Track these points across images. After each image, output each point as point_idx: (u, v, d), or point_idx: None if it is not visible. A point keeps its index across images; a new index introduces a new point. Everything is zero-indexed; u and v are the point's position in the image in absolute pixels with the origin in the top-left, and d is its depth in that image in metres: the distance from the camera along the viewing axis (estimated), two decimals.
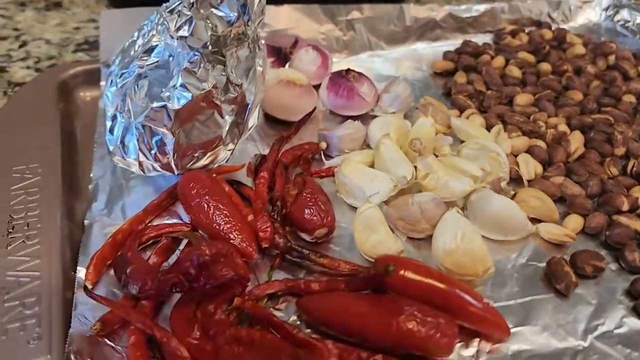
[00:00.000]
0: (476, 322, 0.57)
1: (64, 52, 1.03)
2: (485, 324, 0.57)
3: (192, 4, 0.58)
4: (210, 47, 0.60)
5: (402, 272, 0.57)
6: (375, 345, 0.53)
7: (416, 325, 0.52)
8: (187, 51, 0.60)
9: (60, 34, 1.09)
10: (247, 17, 0.61)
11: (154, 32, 0.64)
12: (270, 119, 0.86)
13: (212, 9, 0.60)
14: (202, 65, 0.61)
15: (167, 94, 0.61)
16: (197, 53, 0.60)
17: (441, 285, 0.57)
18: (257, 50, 0.69)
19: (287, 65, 0.93)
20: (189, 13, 0.58)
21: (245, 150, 0.79)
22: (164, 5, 0.61)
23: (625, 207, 0.71)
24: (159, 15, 0.63)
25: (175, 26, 0.58)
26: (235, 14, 0.60)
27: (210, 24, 0.60)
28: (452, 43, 1.09)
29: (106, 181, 0.73)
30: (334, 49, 1.03)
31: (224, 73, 0.64)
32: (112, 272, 0.61)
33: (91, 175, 0.74)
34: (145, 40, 0.64)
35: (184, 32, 0.59)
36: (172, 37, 0.59)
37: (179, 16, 0.58)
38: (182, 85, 0.61)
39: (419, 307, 0.54)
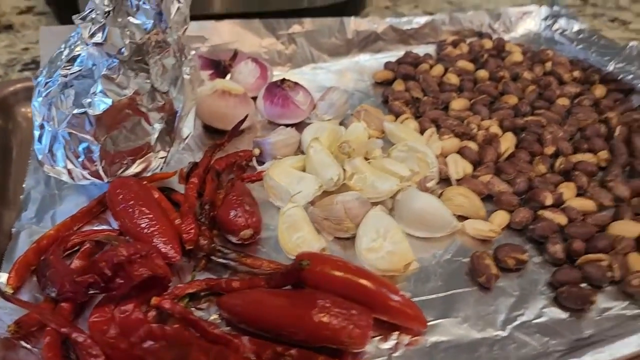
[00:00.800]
0: (394, 315, 0.58)
1: (10, 71, 1.04)
2: (402, 317, 0.58)
3: (108, 12, 0.60)
4: (128, 54, 0.62)
5: (319, 267, 0.58)
6: (291, 340, 0.54)
7: (328, 317, 0.53)
8: (105, 58, 0.62)
9: (7, 55, 1.10)
10: (165, 25, 0.63)
11: (79, 42, 0.65)
12: (209, 130, 0.87)
13: (129, 17, 0.61)
14: (121, 72, 0.62)
15: (88, 100, 0.62)
16: (115, 60, 0.62)
17: (358, 280, 0.58)
18: (183, 59, 0.71)
19: (227, 78, 0.95)
20: (102, 20, 0.60)
21: (181, 160, 0.80)
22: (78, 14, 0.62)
23: (549, 202, 0.72)
24: None
25: (88, 33, 0.60)
26: (152, 22, 0.62)
27: (127, 32, 0.61)
28: (395, 54, 1.10)
29: (38, 191, 0.73)
30: (276, 62, 1.04)
31: (148, 80, 0.65)
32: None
33: (23, 185, 0.74)
34: (70, 50, 0.65)
35: (98, 39, 0.60)
36: (87, 45, 0.61)
37: (92, 23, 0.60)
38: (102, 92, 0.62)
39: (333, 299, 0.55)
